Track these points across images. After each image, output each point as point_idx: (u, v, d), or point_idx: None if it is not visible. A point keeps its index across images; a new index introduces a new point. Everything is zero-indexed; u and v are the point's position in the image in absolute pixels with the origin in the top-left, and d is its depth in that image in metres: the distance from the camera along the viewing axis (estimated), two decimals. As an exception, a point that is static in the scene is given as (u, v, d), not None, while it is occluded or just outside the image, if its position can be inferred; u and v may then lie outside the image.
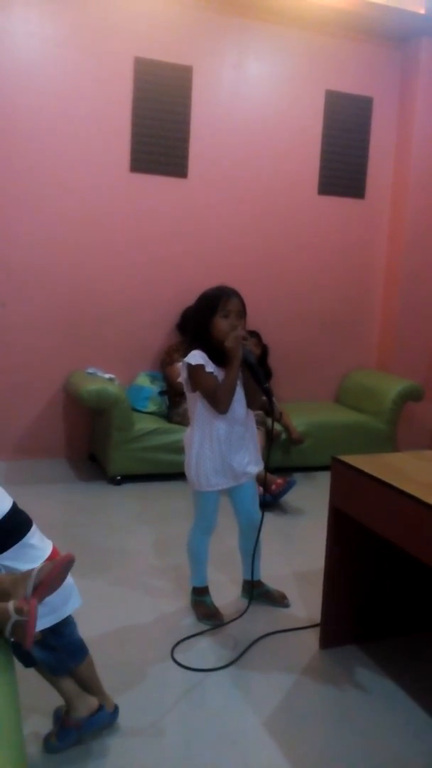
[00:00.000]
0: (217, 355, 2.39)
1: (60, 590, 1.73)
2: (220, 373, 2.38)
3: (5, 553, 1.67)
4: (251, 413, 2.52)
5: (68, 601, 1.78)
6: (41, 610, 1.66)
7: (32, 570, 1.57)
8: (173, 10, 4.47)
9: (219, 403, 2.37)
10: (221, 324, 2.36)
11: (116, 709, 1.95)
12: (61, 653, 1.82)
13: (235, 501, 2.60)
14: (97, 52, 4.34)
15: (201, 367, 2.35)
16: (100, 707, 1.89)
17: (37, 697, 1.95)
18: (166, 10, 4.46)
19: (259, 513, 2.60)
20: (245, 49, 4.68)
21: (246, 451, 2.49)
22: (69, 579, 1.78)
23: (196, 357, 2.36)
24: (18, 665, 1.79)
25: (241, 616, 2.55)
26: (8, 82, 4.19)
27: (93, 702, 1.88)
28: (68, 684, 1.86)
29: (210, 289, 2.44)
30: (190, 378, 2.39)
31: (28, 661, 1.80)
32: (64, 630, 1.80)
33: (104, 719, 1.90)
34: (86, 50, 4.32)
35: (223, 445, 2.43)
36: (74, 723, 1.85)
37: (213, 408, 2.39)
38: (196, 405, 2.44)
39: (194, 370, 2.37)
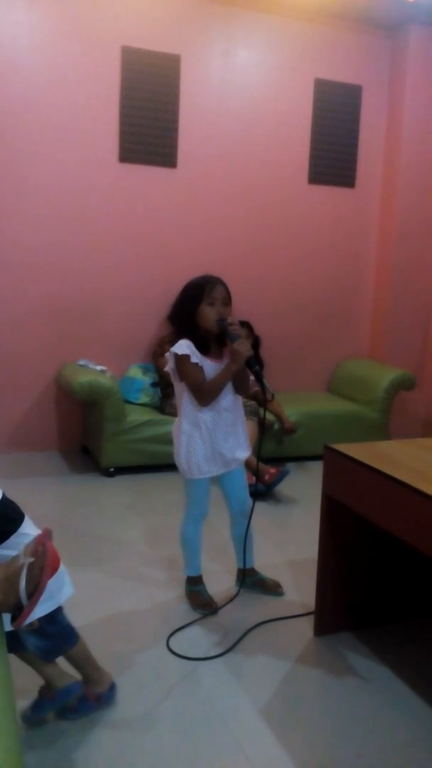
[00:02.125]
0: (204, 344, 2.40)
1: (55, 576, 1.74)
2: (206, 363, 2.39)
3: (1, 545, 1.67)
4: (239, 399, 2.53)
5: (63, 587, 1.79)
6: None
7: (18, 563, 1.55)
8: (160, -1, 4.44)
9: (203, 397, 2.39)
10: (207, 312, 2.37)
11: (114, 685, 2.01)
12: (56, 639, 1.84)
13: (225, 487, 2.60)
14: (83, 41, 4.30)
15: (187, 357, 2.35)
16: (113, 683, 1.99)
17: (29, 681, 1.96)
18: (154, -1, 4.43)
19: (249, 499, 2.61)
20: (233, 37, 4.66)
21: (235, 438, 2.51)
22: (62, 566, 1.79)
23: (183, 347, 2.36)
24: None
25: (230, 601, 2.57)
26: (-5, 73, 4.15)
27: (110, 676, 1.98)
28: (83, 664, 1.93)
29: (195, 278, 2.46)
30: (177, 368, 2.40)
31: (12, 645, 1.81)
32: (57, 616, 1.81)
33: (114, 694, 1.99)
34: (73, 39, 4.28)
35: (212, 433, 2.44)
36: (94, 696, 1.93)
37: (196, 400, 2.40)
38: (183, 394, 2.45)
39: (180, 361, 2.38)
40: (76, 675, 1.96)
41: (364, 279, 5.32)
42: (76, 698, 1.91)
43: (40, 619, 1.73)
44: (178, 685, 2.12)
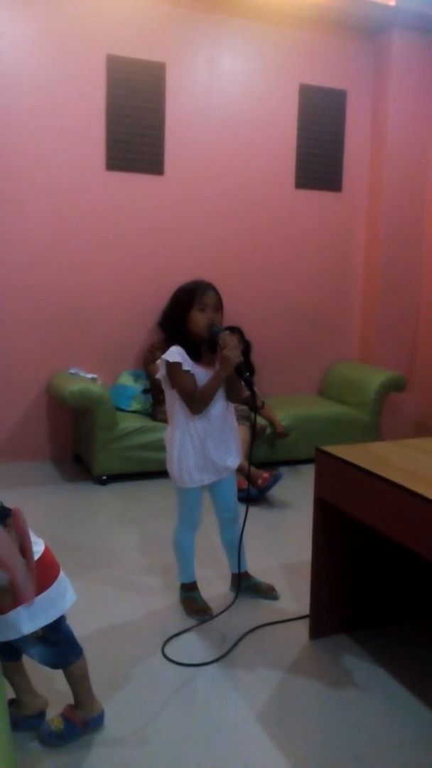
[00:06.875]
0: (196, 351, 2.40)
1: (56, 584, 1.75)
2: (197, 369, 2.38)
3: None
4: (231, 407, 2.52)
5: (66, 594, 1.79)
6: (41, 604, 1.66)
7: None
8: (144, 6, 4.45)
9: (195, 405, 2.37)
10: (198, 318, 2.36)
11: (102, 712, 1.95)
12: (63, 647, 1.83)
13: (216, 495, 2.60)
14: (68, 50, 4.31)
15: (178, 365, 2.34)
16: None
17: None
18: (137, 6, 4.44)
19: (238, 505, 2.62)
20: (218, 44, 4.68)
21: (226, 446, 2.49)
22: (62, 574, 1.79)
23: (174, 354, 2.35)
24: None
25: (228, 608, 2.56)
26: (-20, 83, 4.15)
27: (100, 705, 1.93)
28: (80, 684, 1.89)
29: (185, 283, 2.44)
30: (168, 375, 2.39)
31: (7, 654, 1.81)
32: (61, 624, 1.81)
33: (101, 721, 1.93)
34: (58, 49, 4.29)
35: (203, 441, 2.43)
36: (81, 722, 1.88)
37: (187, 408, 2.39)
38: (175, 402, 2.44)
39: (171, 368, 2.36)
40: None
41: (353, 282, 5.35)
42: (61, 724, 1.87)
43: (44, 628, 1.73)
44: (174, 691, 2.11)
